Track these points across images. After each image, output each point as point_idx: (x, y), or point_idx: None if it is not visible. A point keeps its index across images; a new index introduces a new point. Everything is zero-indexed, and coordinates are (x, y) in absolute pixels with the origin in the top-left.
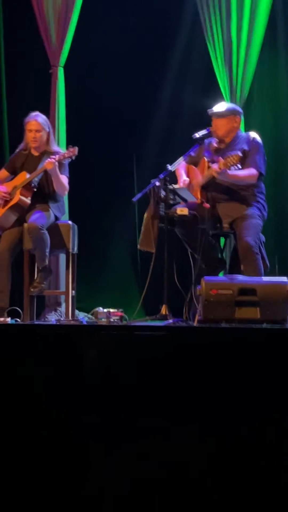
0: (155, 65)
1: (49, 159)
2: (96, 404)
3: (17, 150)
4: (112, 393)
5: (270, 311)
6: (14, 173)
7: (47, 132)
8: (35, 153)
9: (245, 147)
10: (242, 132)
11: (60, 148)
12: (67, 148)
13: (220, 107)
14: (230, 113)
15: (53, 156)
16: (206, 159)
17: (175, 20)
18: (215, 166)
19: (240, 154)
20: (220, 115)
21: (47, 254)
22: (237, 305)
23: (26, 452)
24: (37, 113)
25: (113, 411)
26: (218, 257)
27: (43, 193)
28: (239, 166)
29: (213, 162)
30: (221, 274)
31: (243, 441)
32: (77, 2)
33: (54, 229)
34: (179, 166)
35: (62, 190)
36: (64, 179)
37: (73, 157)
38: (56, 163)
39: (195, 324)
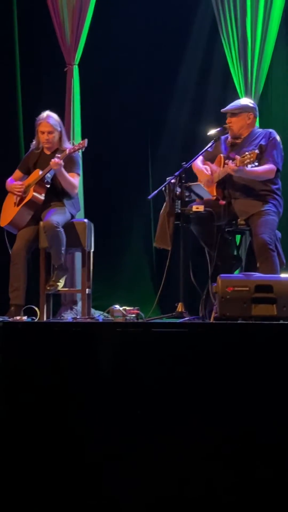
0: (170, 61)
1: (53, 159)
2: (113, 401)
3: (30, 149)
4: (129, 390)
5: (287, 307)
6: (28, 172)
7: (59, 131)
8: (47, 152)
9: (263, 142)
10: (258, 128)
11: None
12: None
13: (233, 104)
14: (242, 110)
15: (58, 155)
16: (222, 156)
17: (189, 16)
18: (231, 164)
19: (257, 151)
20: (233, 113)
21: (63, 252)
22: (253, 302)
23: (44, 444)
24: (48, 113)
25: (130, 408)
26: (234, 254)
27: (57, 190)
28: (256, 163)
29: (229, 158)
30: (237, 272)
31: (261, 437)
32: (92, 0)
33: (70, 227)
34: (198, 162)
35: (71, 189)
36: (75, 178)
37: (83, 149)
38: (62, 163)
39: (212, 321)
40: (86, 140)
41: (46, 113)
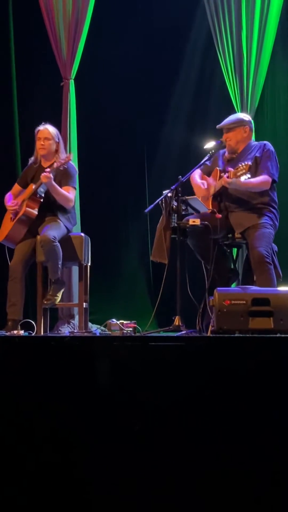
0: (166, 76)
1: (43, 173)
2: (110, 415)
3: (29, 163)
4: (126, 405)
5: (284, 321)
6: (26, 186)
7: (56, 142)
8: (45, 165)
9: (257, 154)
10: (254, 141)
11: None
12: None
13: (228, 120)
14: (237, 125)
15: (47, 169)
16: (218, 169)
17: (185, 31)
18: (225, 176)
19: (249, 162)
20: (228, 128)
21: (60, 266)
22: (250, 315)
23: (38, 463)
24: (47, 123)
25: (127, 423)
26: (230, 268)
27: (51, 204)
28: (249, 175)
29: (225, 172)
30: (234, 285)
31: (259, 453)
32: (87, 15)
33: (66, 241)
34: (196, 176)
35: (65, 202)
36: (70, 191)
37: (68, 163)
38: (51, 176)
39: (209, 335)
40: (71, 154)
41: (45, 123)
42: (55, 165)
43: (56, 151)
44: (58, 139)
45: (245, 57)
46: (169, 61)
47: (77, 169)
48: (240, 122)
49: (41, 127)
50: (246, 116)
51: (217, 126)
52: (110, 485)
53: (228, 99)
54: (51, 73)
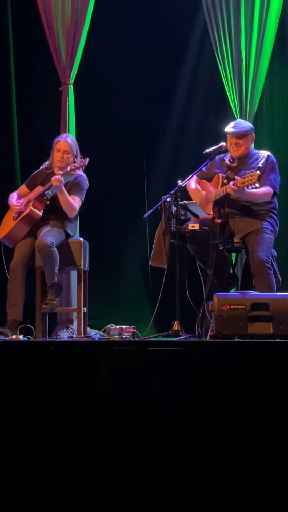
0: (164, 81)
1: (54, 176)
2: (110, 420)
3: (41, 167)
4: (125, 409)
5: (283, 325)
6: (33, 189)
7: (74, 155)
8: (57, 172)
9: (261, 165)
10: (254, 149)
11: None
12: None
13: (239, 126)
14: (249, 132)
15: (60, 172)
16: (220, 175)
17: (184, 36)
18: (231, 184)
19: (258, 172)
20: (241, 135)
21: (56, 271)
22: (250, 320)
23: (38, 469)
24: (67, 134)
25: (127, 427)
26: (230, 273)
27: (57, 209)
28: (257, 185)
29: (228, 179)
30: (233, 290)
31: (260, 457)
32: (86, 20)
33: (65, 246)
34: (192, 182)
35: (69, 209)
36: (76, 201)
37: (83, 167)
38: (62, 179)
39: (208, 339)
40: (87, 159)
41: (66, 134)
42: (68, 168)
43: (74, 162)
44: (76, 151)
45: (244, 63)
46: (168, 67)
47: (87, 183)
48: (251, 130)
49: (61, 139)
50: (250, 123)
51: (229, 132)
52: (109, 491)
53: (227, 104)
54: (50, 78)
